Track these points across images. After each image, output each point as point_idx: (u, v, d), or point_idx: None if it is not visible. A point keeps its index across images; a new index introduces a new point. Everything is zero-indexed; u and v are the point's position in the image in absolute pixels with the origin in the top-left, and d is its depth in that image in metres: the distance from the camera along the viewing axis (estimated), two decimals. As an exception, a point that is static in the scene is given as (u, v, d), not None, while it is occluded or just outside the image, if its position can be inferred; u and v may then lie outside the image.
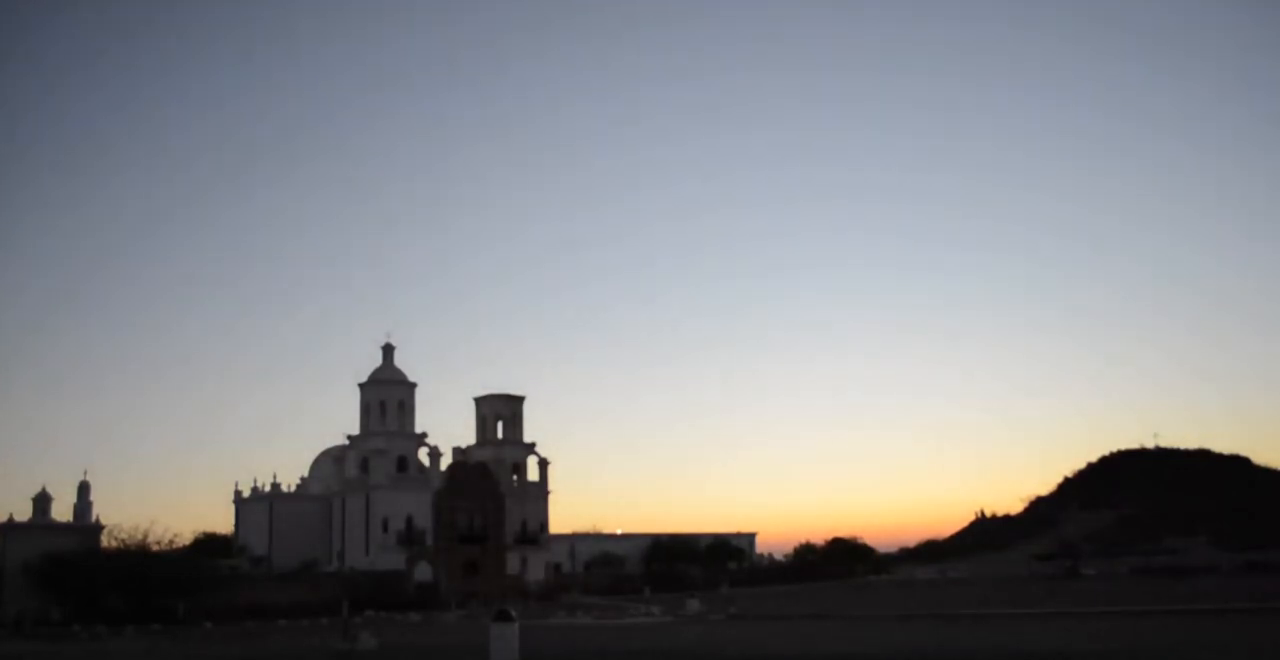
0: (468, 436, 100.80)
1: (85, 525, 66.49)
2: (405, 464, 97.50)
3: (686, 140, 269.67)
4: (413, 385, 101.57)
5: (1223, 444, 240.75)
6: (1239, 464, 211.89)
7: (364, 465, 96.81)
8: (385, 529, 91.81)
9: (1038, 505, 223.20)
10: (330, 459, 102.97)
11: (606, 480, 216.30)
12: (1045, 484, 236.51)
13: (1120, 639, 30.21)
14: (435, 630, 46.17)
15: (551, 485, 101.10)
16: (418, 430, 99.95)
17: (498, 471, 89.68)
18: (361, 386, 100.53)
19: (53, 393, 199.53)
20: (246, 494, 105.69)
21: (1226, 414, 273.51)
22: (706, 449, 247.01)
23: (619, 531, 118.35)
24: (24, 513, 65.61)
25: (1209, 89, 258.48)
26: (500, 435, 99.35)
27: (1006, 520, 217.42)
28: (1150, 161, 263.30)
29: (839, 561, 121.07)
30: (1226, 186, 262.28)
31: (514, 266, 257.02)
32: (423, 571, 76.51)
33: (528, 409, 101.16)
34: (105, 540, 65.74)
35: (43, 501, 66.41)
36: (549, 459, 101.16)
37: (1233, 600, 48.36)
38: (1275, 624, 35.43)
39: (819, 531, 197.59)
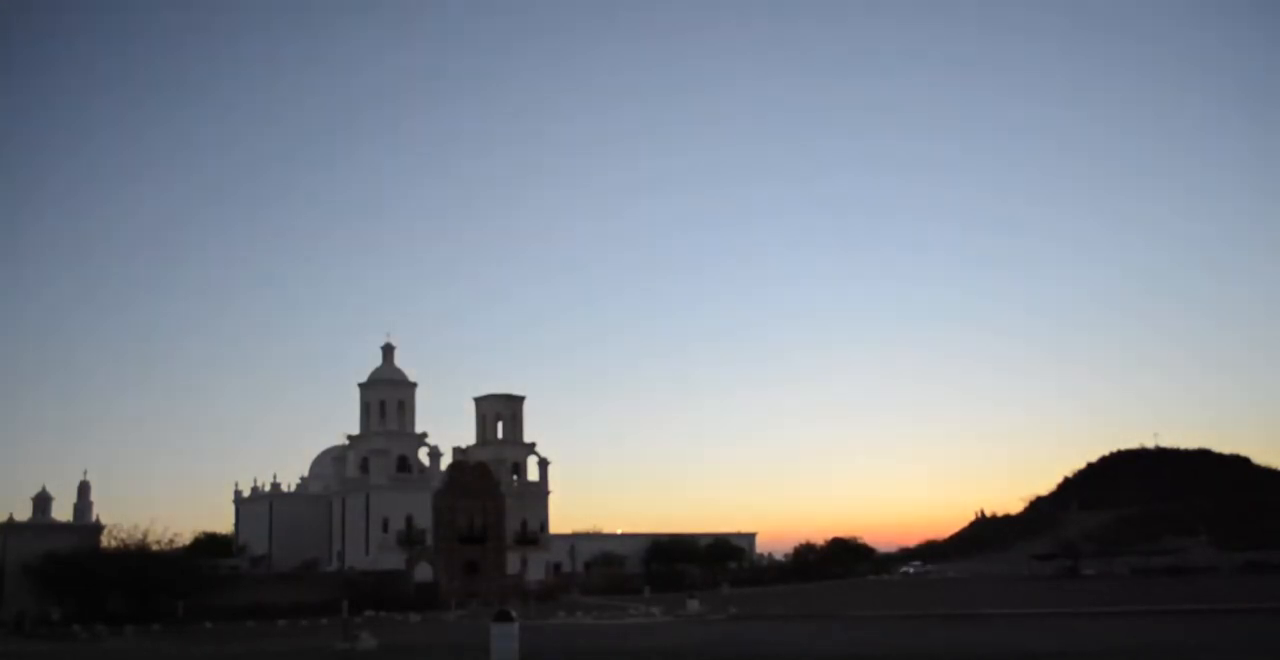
0: (468, 436, 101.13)
1: (85, 525, 66.60)
2: (405, 464, 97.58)
3: (686, 142, 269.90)
4: (413, 385, 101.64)
5: (1223, 444, 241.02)
6: (1239, 464, 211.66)
7: (364, 465, 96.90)
8: (385, 529, 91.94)
9: (1038, 505, 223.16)
10: (330, 459, 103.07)
11: (606, 480, 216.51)
12: (1045, 484, 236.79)
13: (1120, 639, 30.21)
14: (435, 630, 46.11)
15: (551, 485, 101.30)
16: (418, 430, 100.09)
17: (498, 471, 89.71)
18: (361, 386, 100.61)
19: (53, 393, 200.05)
20: (246, 494, 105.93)
21: (1226, 414, 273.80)
22: (706, 449, 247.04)
23: (619, 531, 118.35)
24: (24, 513, 65.90)
25: (1208, 92, 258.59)
26: (500, 435, 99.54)
27: (1006, 520, 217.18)
28: (1151, 162, 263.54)
29: (839, 561, 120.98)
30: (1226, 188, 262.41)
31: (514, 267, 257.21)
32: (423, 571, 76.49)
33: (528, 409, 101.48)
34: (105, 540, 65.72)
35: (43, 501, 66.59)
36: (549, 459, 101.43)
37: (1233, 600, 48.33)
38: (1275, 624, 35.43)
39: (819, 531, 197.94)
